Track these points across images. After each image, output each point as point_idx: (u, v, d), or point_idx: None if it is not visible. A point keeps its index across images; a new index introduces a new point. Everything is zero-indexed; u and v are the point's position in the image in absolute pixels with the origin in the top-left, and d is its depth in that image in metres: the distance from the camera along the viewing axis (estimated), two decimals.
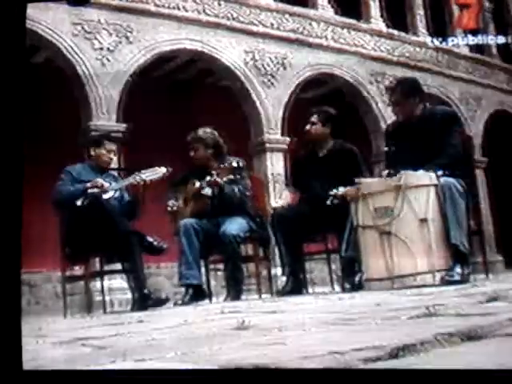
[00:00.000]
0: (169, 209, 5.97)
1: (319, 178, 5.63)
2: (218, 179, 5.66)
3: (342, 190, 5.17)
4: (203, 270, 5.96)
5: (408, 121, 5.25)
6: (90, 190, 5.56)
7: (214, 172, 5.68)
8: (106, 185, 5.64)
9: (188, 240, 5.66)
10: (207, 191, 5.79)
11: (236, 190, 5.78)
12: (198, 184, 5.83)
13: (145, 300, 5.31)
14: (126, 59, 11.21)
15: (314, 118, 5.84)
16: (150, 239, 5.59)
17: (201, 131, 6.04)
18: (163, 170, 5.73)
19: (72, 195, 5.57)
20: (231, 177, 5.70)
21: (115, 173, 6.03)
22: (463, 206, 4.79)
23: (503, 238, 13.50)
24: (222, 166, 5.72)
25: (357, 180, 5.09)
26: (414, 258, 4.63)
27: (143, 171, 5.67)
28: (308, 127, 5.85)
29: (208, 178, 5.70)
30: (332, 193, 5.24)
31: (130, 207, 5.79)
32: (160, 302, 5.30)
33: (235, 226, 5.72)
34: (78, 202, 5.52)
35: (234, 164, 5.75)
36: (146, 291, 5.38)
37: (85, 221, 5.48)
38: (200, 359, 1.95)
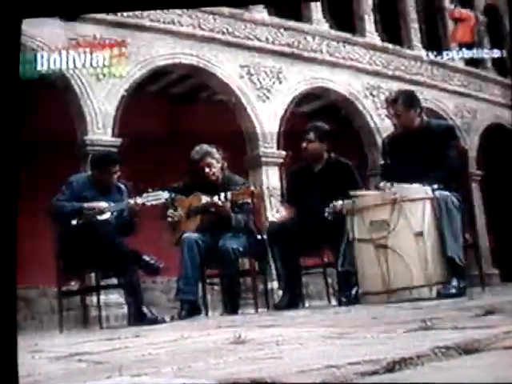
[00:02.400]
0: (169, 219, 5.92)
1: (315, 192, 5.64)
2: (227, 205, 5.67)
3: (339, 203, 5.17)
4: (200, 284, 5.93)
5: (406, 133, 5.25)
6: (86, 211, 5.55)
7: (230, 193, 5.65)
8: (104, 205, 5.62)
9: (190, 255, 5.64)
10: (213, 209, 5.76)
11: (240, 219, 5.80)
12: (204, 199, 5.79)
13: (141, 319, 5.26)
14: (122, 74, 11.22)
15: (310, 136, 5.83)
16: (147, 258, 5.49)
17: (210, 147, 5.98)
18: (166, 195, 5.72)
19: (68, 213, 5.56)
20: (247, 200, 5.70)
21: (122, 185, 5.95)
22: (459, 219, 4.80)
23: (499, 251, 13.50)
24: (239, 188, 5.71)
25: (352, 193, 5.08)
26: (410, 272, 4.63)
27: (145, 194, 5.66)
28: (305, 145, 5.83)
29: (222, 196, 5.67)
30: (329, 207, 5.24)
31: (127, 224, 5.79)
32: (155, 322, 5.23)
33: (235, 240, 5.73)
34: (74, 221, 5.51)
35: (252, 188, 5.77)
36: (144, 310, 5.34)
37: (79, 240, 5.48)
38: (196, 374, 1.94)
